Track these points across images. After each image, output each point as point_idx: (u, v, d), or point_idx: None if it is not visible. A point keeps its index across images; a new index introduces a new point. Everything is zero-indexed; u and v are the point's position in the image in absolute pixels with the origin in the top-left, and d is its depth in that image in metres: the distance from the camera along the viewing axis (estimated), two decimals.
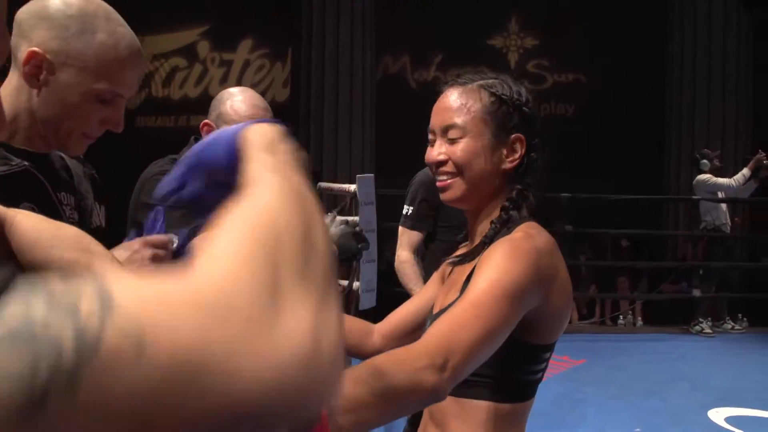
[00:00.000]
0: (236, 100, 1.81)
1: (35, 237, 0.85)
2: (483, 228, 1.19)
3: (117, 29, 1.11)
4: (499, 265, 1.02)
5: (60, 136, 1.12)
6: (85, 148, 1.17)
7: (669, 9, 8.81)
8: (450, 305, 1.15)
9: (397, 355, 0.87)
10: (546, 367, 1.15)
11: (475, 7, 9.44)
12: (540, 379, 1.15)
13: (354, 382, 0.78)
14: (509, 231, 1.13)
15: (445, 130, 1.16)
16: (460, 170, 1.15)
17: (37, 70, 1.07)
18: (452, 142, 1.16)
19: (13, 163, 1.08)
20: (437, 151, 1.17)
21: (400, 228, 2.80)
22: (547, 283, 1.06)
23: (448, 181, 1.17)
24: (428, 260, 2.69)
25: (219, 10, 9.85)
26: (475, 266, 1.12)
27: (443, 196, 1.20)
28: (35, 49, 1.05)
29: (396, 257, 2.78)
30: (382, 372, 0.80)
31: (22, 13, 1.09)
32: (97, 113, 1.11)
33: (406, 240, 2.74)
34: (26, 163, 1.10)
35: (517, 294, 0.99)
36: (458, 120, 1.15)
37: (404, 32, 9.48)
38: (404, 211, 2.79)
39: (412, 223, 2.74)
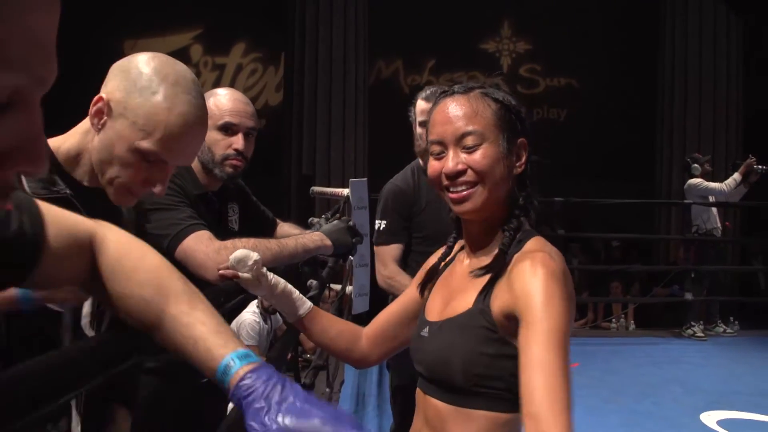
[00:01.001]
0: (219, 96, 1.83)
1: (116, 264, 0.83)
2: (491, 235, 1.18)
3: (179, 96, 1.12)
4: (547, 310, 1.00)
5: (104, 180, 1.15)
6: (130, 201, 1.20)
7: (660, 14, 8.86)
8: (458, 316, 1.14)
9: None
10: None
11: (467, 12, 9.47)
12: None
13: None
14: (520, 243, 1.13)
15: (461, 138, 1.13)
16: (481, 178, 1.12)
17: (99, 114, 1.13)
18: (469, 150, 1.12)
19: (54, 189, 1.11)
20: (454, 161, 1.13)
21: (376, 247, 2.54)
22: (573, 303, 1.07)
23: (468, 191, 1.13)
24: (410, 273, 2.49)
25: (212, 14, 9.84)
26: (490, 279, 1.12)
27: (459, 208, 1.15)
28: (102, 94, 1.12)
29: (379, 275, 2.52)
30: None
31: (114, 64, 1.16)
32: (141, 171, 1.13)
33: (388, 255, 2.49)
34: (68, 191, 1.13)
35: (568, 329, 1.01)
36: (474, 127, 1.12)
37: (397, 37, 9.50)
38: (377, 227, 2.54)
39: (388, 238, 2.51)
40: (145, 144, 1.10)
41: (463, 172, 1.13)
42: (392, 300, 2.51)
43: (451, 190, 1.14)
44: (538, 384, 0.94)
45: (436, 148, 1.16)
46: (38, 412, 0.59)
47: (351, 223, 1.91)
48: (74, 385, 0.68)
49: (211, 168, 1.82)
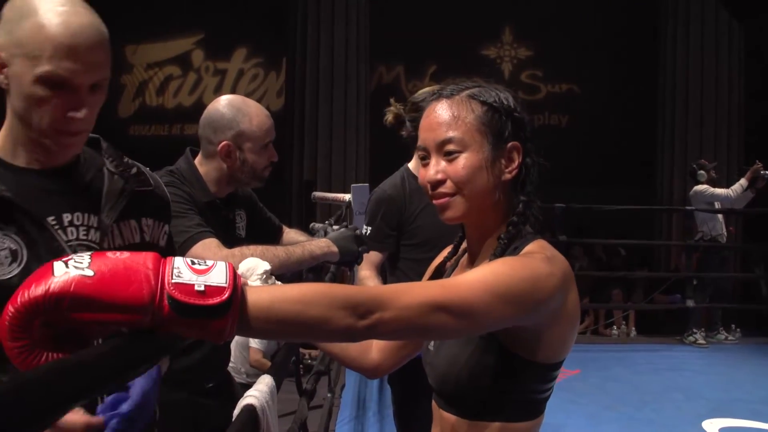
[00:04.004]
0: (253, 115, 1.83)
1: None
2: (488, 243, 1.14)
3: (56, 9, 1.03)
4: (494, 268, 0.97)
5: (37, 134, 1.07)
6: (72, 147, 1.12)
7: (661, 20, 8.87)
8: None
9: (328, 291, 0.84)
10: (554, 383, 1.12)
11: (469, 18, 9.49)
12: (549, 396, 1.13)
13: (277, 294, 0.80)
14: (516, 249, 1.08)
15: (441, 145, 1.08)
16: (460, 188, 1.08)
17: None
18: (450, 158, 1.08)
19: None
20: (434, 169, 1.09)
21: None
22: (550, 307, 1.01)
23: (447, 200, 1.09)
24: (397, 281, 2.46)
25: (214, 19, 9.87)
26: None
27: (443, 216, 1.11)
28: None
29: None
30: (304, 300, 0.81)
31: None
32: (55, 102, 1.04)
33: (366, 260, 2.40)
34: (3, 187, 1.06)
35: (510, 296, 0.95)
36: (454, 133, 1.08)
37: (398, 42, 9.52)
38: (363, 231, 2.45)
39: (370, 245, 2.41)
40: (41, 68, 1.02)
41: (442, 182, 1.09)
42: None
43: (435, 197, 1.11)
44: (469, 275, 0.95)
45: (421, 154, 1.13)
46: (52, 418, 0.58)
47: (358, 231, 1.92)
48: (89, 390, 0.66)
49: (247, 181, 1.86)
